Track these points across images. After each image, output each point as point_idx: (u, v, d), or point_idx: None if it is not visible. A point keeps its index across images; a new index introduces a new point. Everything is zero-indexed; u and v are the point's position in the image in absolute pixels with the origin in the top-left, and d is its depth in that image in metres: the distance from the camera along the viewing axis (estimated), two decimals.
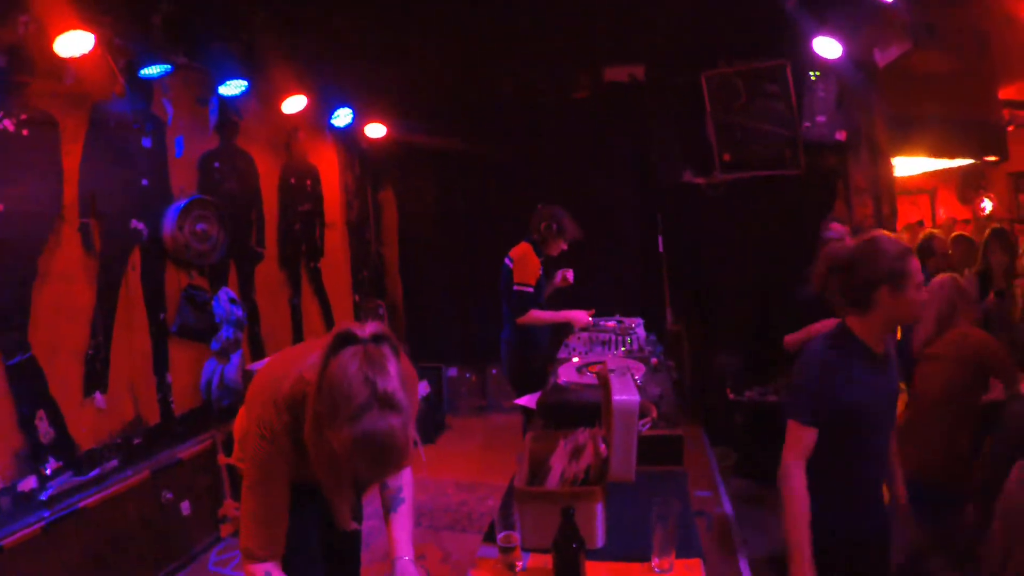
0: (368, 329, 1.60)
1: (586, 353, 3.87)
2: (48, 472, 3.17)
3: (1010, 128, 5.23)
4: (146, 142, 3.86)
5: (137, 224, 3.81)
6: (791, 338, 3.44)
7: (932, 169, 5.76)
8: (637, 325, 4.52)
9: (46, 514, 3.07)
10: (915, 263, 2.10)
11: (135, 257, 3.80)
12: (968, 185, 7.06)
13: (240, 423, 2.08)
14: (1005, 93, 4.84)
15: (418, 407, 1.67)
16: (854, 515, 2.22)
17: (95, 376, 3.51)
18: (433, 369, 6.23)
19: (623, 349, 3.93)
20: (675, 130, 5.28)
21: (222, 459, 2.02)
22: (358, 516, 2.06)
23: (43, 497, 3.11)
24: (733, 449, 5.15)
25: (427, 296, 6.50)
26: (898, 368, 2.32)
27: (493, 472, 5.12)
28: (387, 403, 1.51)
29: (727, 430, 5.13)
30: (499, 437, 5.86)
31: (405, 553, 1.99)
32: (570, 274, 4.58)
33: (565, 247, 4.42)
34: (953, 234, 5.18)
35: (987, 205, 6.81)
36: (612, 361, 3.26)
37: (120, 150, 3.68)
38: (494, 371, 6.43)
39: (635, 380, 2.50)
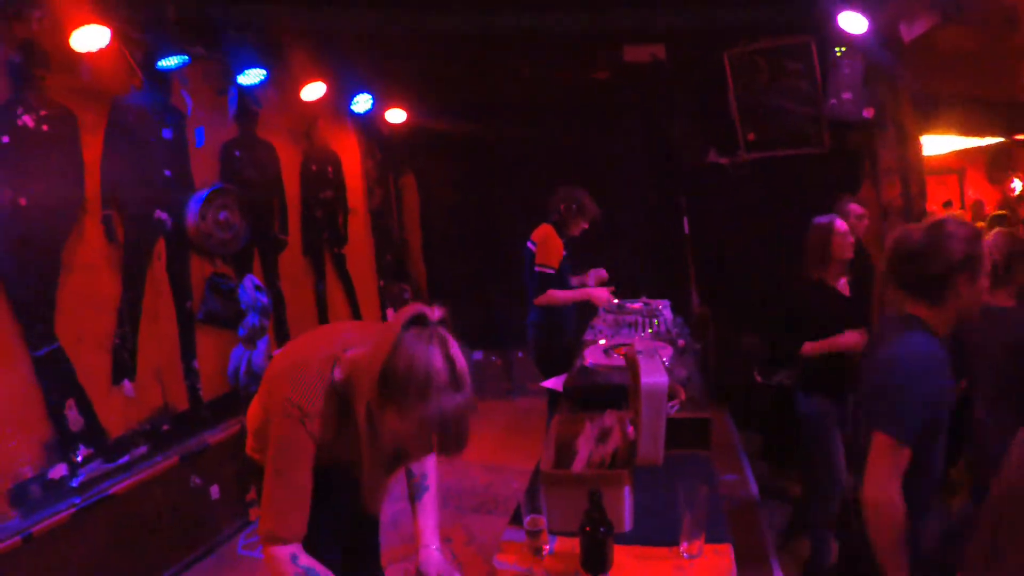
0: (436, 312, 1.64)
1: (612, 335, 3.85)
2: (78, 459, 3.26)
3: None
4: (166, 133, 3.90)
5: (160, 214, 3.87)
6: (811, 347, 3.34)
7: (960, 148, 5.60)
8: (664, 307, 4.47)
9: (76, 501, 3.16)
10: (985, 248, 1.95)
11: (160, 247, 3.86)
12: (997, 165, 6.83)
13: (255, 413, 2.08)
14: None
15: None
16: (926, 522, 1.97)
17: (123, 364, 3.59)
18: None
19: (650, 331, 3.90)
20: (698, 110, 5.19)
21: (248, 449, 2.06)
22: (384, 495, 2.06)
23: (74, 484, 3.20)
24: (759, 433, 5.10)
25: (451, 280, 6.52)
26: None
27: (519, 455, 5.13)
28: (461, 383, 1.58)
29: (753, 414, 5.07)
30: (525, 420, 5.87)
31: (431, 542, 2.00)
32: (603, 273, 4.54)
33: (587, 226, 4.37)
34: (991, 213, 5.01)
35: (1017, 185, 6.59)
36: (639, 343, 3.24)
37: (140, 142, 3.73)
38: (519, 354, 6.43)
39: (663, 362, 2.48)
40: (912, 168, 4.48)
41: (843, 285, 3.53)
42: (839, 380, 3.45)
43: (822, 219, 3.57)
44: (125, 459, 3.52)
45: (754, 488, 4.50)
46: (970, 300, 1.91)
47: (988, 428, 2.61)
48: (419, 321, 1.61)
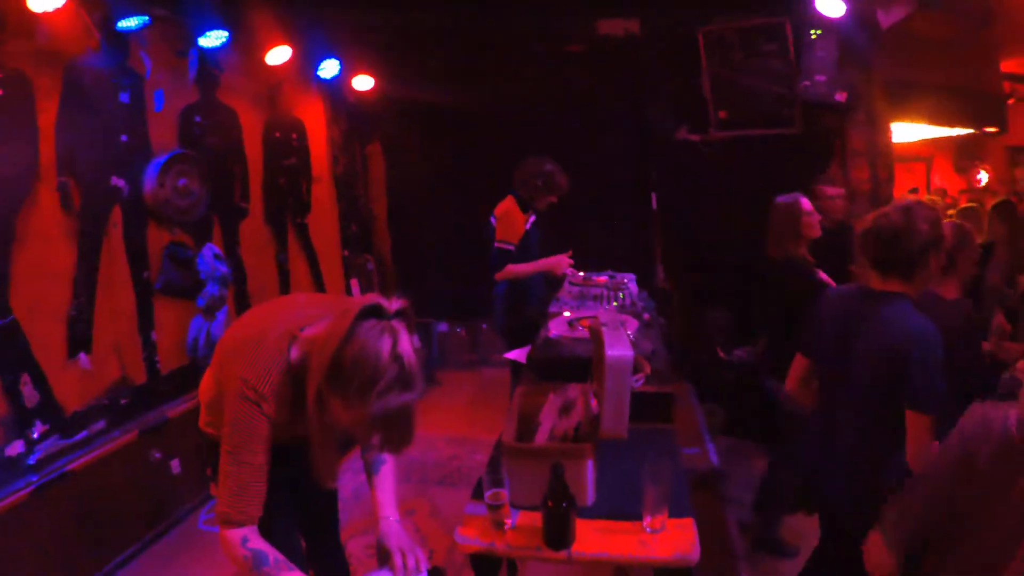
0: (394, 304, 1.62)
1: (577, 307, 3.84)
2: (35, 436, 3.15)
3: (1010, 101, 5.15)
4: (124, 97, 3.73)
5: (117, 181, 3.71)
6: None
7: (929, 137, 5.70)
8: (629, 280, 4.48)
9: (34, 478, 3.07)
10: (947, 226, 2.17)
11: (116, 215, 3.72)
12: (964, 155, 6.99)
13: (207, 386, 2.04)
14: (1007, 65, 4.74)
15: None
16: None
17: (79, 337, 3.47)
18: (423, 324, 6.22)
19: (615, 304, 3.90)
20: (670, 86, 5.16)
21: (201, 423, 2.01)
22: (335, 472, 2.02)
23: (30, 461, 3.10)
24: (721, 407, 5.20)
25: (416, 250, 6.43)
26: None
27: (483, 427, 5.15)
28: (408, 382, 1.57)
29: (715, 388, 5.16)
30: (489, 392, 5.89)
31: (390, 514, 1.99)
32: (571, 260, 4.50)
33: (554, 200, 4.30)
34: (962, 205, 5.11)
35: (983, 177, 6.76)
36: (604, 315, 3.24)
37: (97, 106, 3.55)
38: (484, 326, 6.43)
39: (628, 335, 2.47)
40: (881, 153, 4.54)
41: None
42: None
43: (785, 198, 3.61)
44: (83, 435, 3.43)
45: (715, 461, 4.60)
46: (934, 277, 2.16)
47: None
48: (374, 313, 1.58)
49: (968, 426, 1.29)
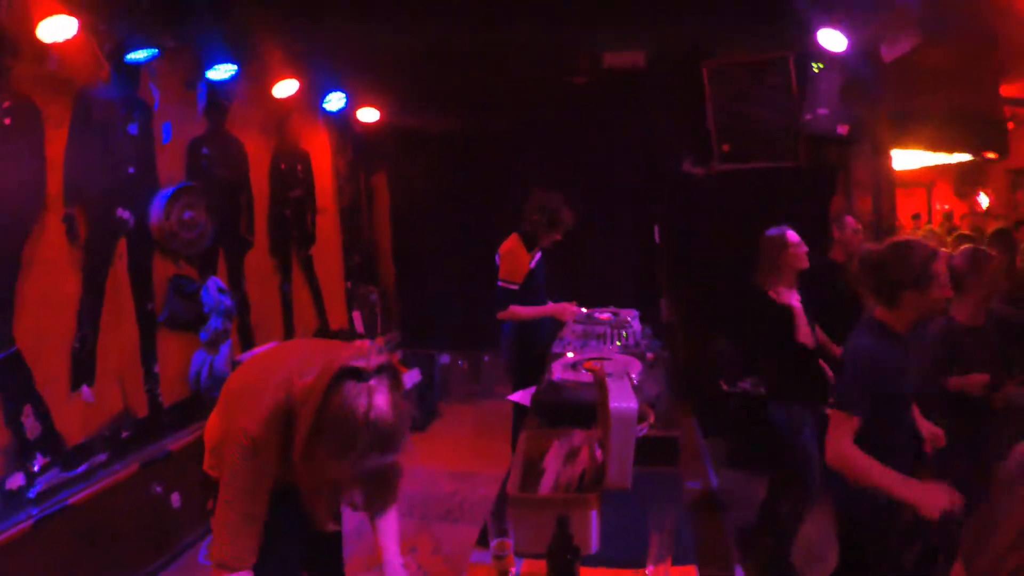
0: (373, 361, 1.59)
1: (581, 347, 3.80)
2: (36, 469, 3.11)
3: (1010, 125, 5.19)
4: (132, 128, 3.75)
5: (123, 213, 3.72)
6: None
7: (930, 164, 5.73)
8: (632, 318, 4.45)
9: (34, 512, 3.02)
10: (940, 266, 2.27)
11: (121, 246, 3.71)
12: (965, 181, 7.04)
13: (212, 429, 2.03)
14: (1007, 90, 4.79)
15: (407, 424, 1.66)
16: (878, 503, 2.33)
17: (82, 369, 3.44)
18: (426, 356, 6.19)
19: (619, 344, 3.87)
20: (675, 119, 5.20)
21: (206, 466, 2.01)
22: (337, 517, 2.04)
23: (31, 495, 3.06)
24: (724, 439, 5.15)
25: (420, 282, 6.43)
26: None
27: (486, 460, 5.10)
28: (387, 446, 1.56)
29: (719, 420, 5.11)
30: (491, 424, 5.82)
31: (393, 558, 1.98)
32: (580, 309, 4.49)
33: (559, 238, 4.30)
34: (956, 233, 5.14)
35: (984, 201, 6.80)
36: (610, 364, 3.21)
37: (106, 137, 3.57)
38: (486, 358, 6.39)
39: (632, 383, 2.46)
40: (884, 182, 4.58)
41: (793, 299, 3.59)
42: (809, 387, 3.53)
43: (773, 231, 3.67)
44: (84, 467, 3.38)
45: (714, 483, 4.54)
46: (922, 309, 2.29)
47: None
48: (353, 375, 1.57)
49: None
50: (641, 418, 2.59)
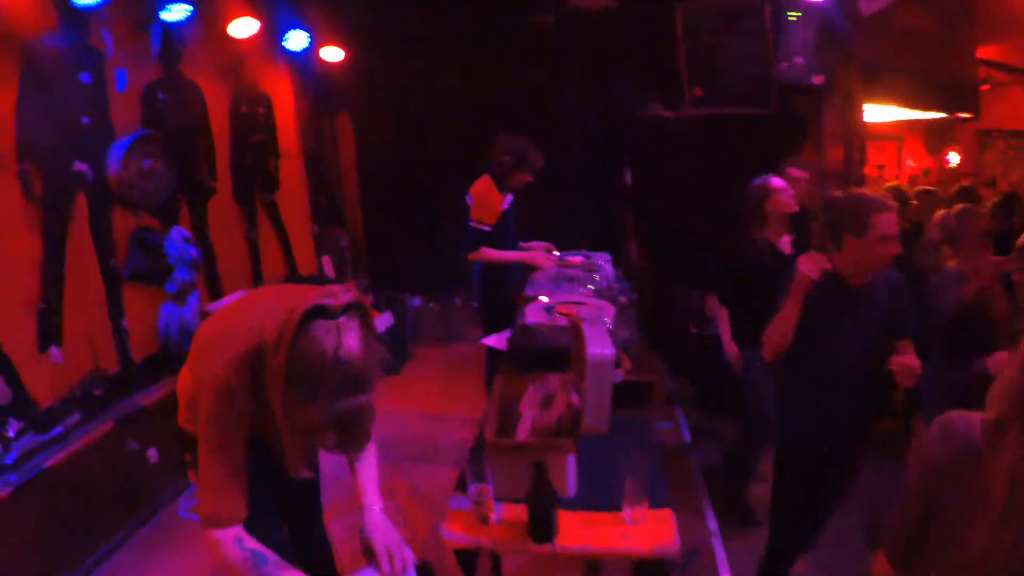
0: (341, 298, 1.56)
1: (553, 290, 3.82)
2: (10, 435, 3.07)
3: (984, 87, 5.22)
4: (84, 77, 3.55)
5: (80, 166, 3.56)
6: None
7: (902, 119, 5.76)
8: (604, 261, 4.46)
9: (13, 478, 2.99)
10: (880, 218, 2.40)
11: (80, 201, 3.57)
12: (936, 137, 7.10)
13: (185, 382, 2.01)
14: (984, 51, 4.79)
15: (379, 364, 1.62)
16: (814, 416, 2.63)
17: (49, 330, 3.36)
18: (397, 299, 6.18)
19: (591, 287, 3.89)
20: (645, 62, 5.10)
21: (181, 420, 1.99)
22: (314, 464, 2.03)
23: (8, 461, 3.02)
24: (692, 382, 5.30)
25: (388, 225, 6.34)
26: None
27: (459, 402, 5.18)
28: (359, 385, 1.53)
29: (687, 363, 5.25)
30: (463, 367, 5.89)
31: (373, 502, 1.98)
32: (553, 248, 4.52)
33: (530, 179, 4.25)
34: (917, 188, 5.22)
35: (953, 158, 6.88)
36: (584, 310, 3.24)
37: (57, 89, 3.38)
38: (457, 300, 6.41)
39: (608, 329, 2.49)
40: (854, 135, 4.60)
41: (785, 243, 3.68)
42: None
43: (757, 181, 3.71)
44: (58, 430, 3.35)
45: (687, 436, 4.71)
46: (862, 256, 2.44)
47: (937, 383, 2.95)
48: (320, 313, 1.53)
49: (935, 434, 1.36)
50: (616, 364, 2.65)
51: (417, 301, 6.45)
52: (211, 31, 4.34)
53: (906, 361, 2.41)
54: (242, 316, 1.81)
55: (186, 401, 2.01)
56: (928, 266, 3.69)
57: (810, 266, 2.44)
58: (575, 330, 2.52)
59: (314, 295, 1.57)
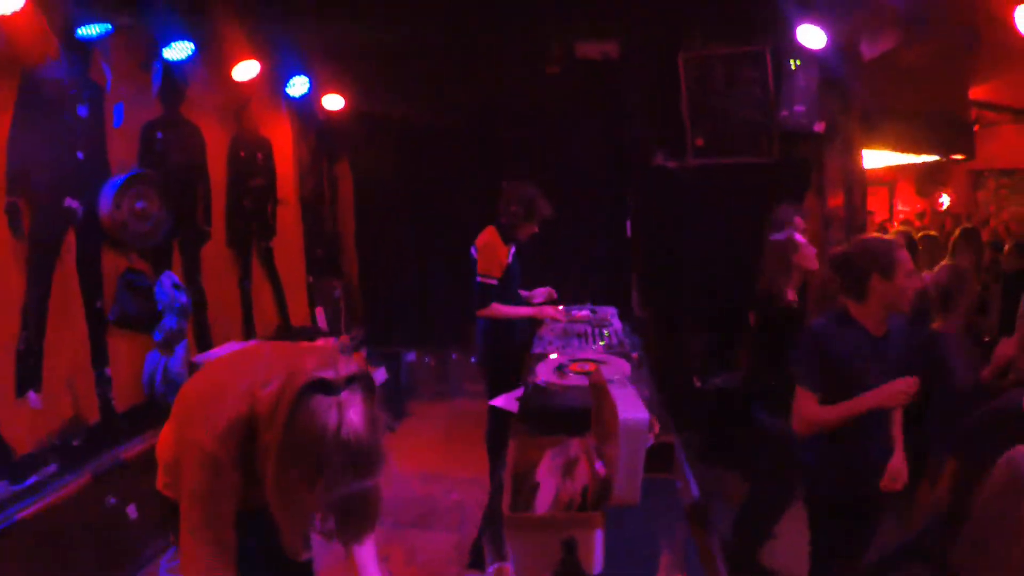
0: (343, 370, 1.43)
1: (562, 347, 3.68)
2: None
3: (975, 128, 5.31)
4: (82, 111, 3.46)
5: (71, 202, 3.43)
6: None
7: (893, 163, 5.84)
8: (611, 315, 4.36)
9: None
10: (903, 254, 2.43)
11: (69, 239, 3.43)
12: (927, 180, 7.23)
13: (165, 443, 1.83)
14: (975, 92, 4.89)
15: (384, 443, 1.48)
16: (851, 469, 2.56)
17: (28, 373, 3.17)
18: (391, 353, 6.00)
19: (601, 343, 3.76)
20: (648, 111, 5.12)
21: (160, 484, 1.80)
22: (307, 543, 1.86)
23: None
24: (698, 434, 5.13)
25: (385, 276, 6.19)
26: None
27: (458, 462, 4.97)
28: (363, 468, 1.40)
29: (692, 416, 5.08)
30: (462, 424, 5.68)
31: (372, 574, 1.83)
32: (552, 291, 4.45)
33: (536, 230, 4.18)
34: (921, 234, 5.24)
35: (945, 200, 6.99)
36: (606, 369, 3.08)
37: (53, 120, 3.29)
38: (454, 355, 6.23)
39: (638, 395, 2.33)
40: (856, 179, 4.61)
41: (790, 292, 3.63)
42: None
43: (779, 236, 3.68)
44: (33, 479, 3.12)
45: (695, 491, 4.50)
46: (888, 298, 2.41)
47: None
48: (321, 388, 1.40)
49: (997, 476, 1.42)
50: (648, 428, 2.49)
51: (412, 355, 6.27)
52: (213, 72, 4.28)
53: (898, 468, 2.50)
54: (232, 377, 1.64)
55: (166, 464, 1.82)
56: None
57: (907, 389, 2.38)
58: (596, 390, 2.36)
59: (313, 361, 1.44)
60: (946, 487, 2.62)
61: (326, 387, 1.39)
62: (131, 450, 3.65)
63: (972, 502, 1.62)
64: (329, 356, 1.46)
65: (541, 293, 4.50)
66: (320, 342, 5.22)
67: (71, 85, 3.37)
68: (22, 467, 3.09)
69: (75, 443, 3.41)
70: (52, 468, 3.23)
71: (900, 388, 2.36)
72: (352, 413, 1.38)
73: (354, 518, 1.55)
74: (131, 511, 3.56)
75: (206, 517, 1.52)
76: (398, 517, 4.29)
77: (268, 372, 1.54)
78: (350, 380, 1.42)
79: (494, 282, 4.05)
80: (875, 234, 2.62)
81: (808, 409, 2.51)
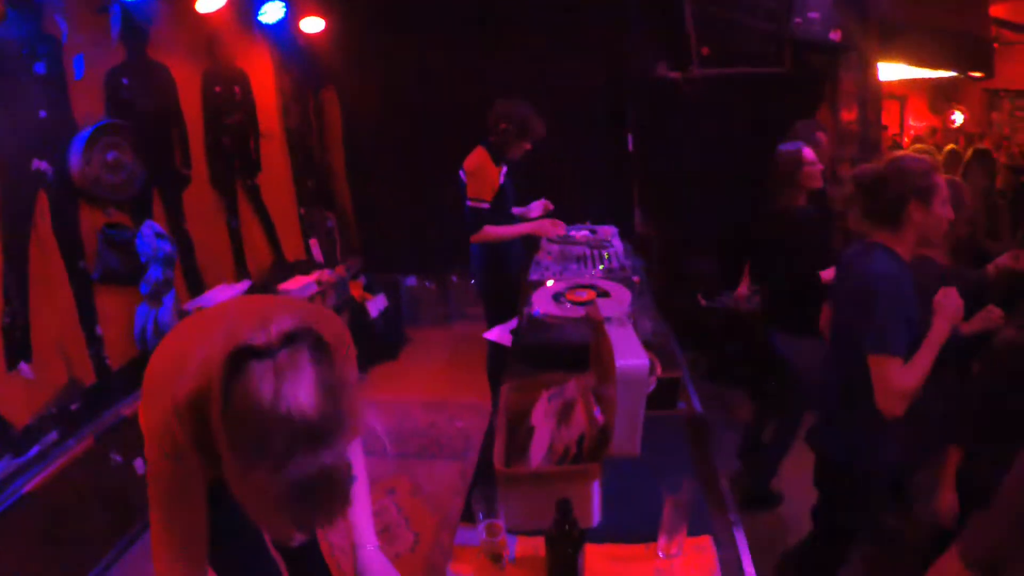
0: (275, 329, 1.21)
1: (560, 272, 3.54)
2: None
3: (995, 46, 4.95)
4: (39, 67, 3.24)
5: (39, 164, 3.28)
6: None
7: (906, 78, 5.52)
8: (612, 235, 4.18)
9: None
10: (939, 178, 2.14)
11: (42, 202, 3.31)
12: (940, 96, 6.86)
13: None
14: (995, 10, 4.54)
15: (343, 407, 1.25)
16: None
17: (16, 345, 3.13)
18: (390, 280, 5.95)
19: (601, 267, 3.62)
20: (650, 19, 4.76)
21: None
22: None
23: None
24: (703, 354, 5.13)
25: (379, 203, 6.03)
26: None
27: (461, 388, 5.00)
28: (316, 437, 1.17)
29: (697, 335, 5.04)
30: (464, 349, 5.71)
31: (368, 541, 1.80)
32: (548, 204, 4.31)
33: (529, 148, 3.98)
34: (947, 149, 4.96)
35: (958, 117, 6.65)
36: (605, 305, 2.92)
37: (9, 82, 3.09)
38: (454, 278, 6.17)
39: (636, 333, 2.16)
40: (871, 94, 4.32)
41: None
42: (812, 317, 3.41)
43: (788, 146, 3.49)
44: (35, 450, 3.15)
45: (698, 407, 4.53)
46: (927, 227, 2.15)
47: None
48: (248, 356, 1.19)
49: None
50: (650, 371, 2.30)
51: (412, 280, 6.21)
52: (177, 7, 4.00)
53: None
54: (196, 343, 1.48)
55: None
56: None
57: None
58: (595, 326, 2.20)
59: (250, 322, 1.26)
60: (951, 476, 2.41)
61: (255, 353, 1.19)
62: (130, 406, 3.67)
63: (999, 486, 1.50)
64: (265, 313, 1.30)
65: (537, 207, 4.35)
66: (312, 276, 5.16)
67: (24, 43, 3.14)
68: (23, 439, 3.11)
69: (73, 407, 3.42)
70: (53, 436, 3.26)
71: (958, 303, 2.09)
72: (293, 378, 1.18)
73: (317, 501, 1.21)
74: (138, 465, 3.63)
75: (169, 501, 1.46)
76: (403, 447, 4.36)
77: (235, 331, 1.29)
78: (289, 339, 1.21)
79: (486, 206, 3.90)
80: (909, 152, 2.30)
81: (899, 378, 2.05)
